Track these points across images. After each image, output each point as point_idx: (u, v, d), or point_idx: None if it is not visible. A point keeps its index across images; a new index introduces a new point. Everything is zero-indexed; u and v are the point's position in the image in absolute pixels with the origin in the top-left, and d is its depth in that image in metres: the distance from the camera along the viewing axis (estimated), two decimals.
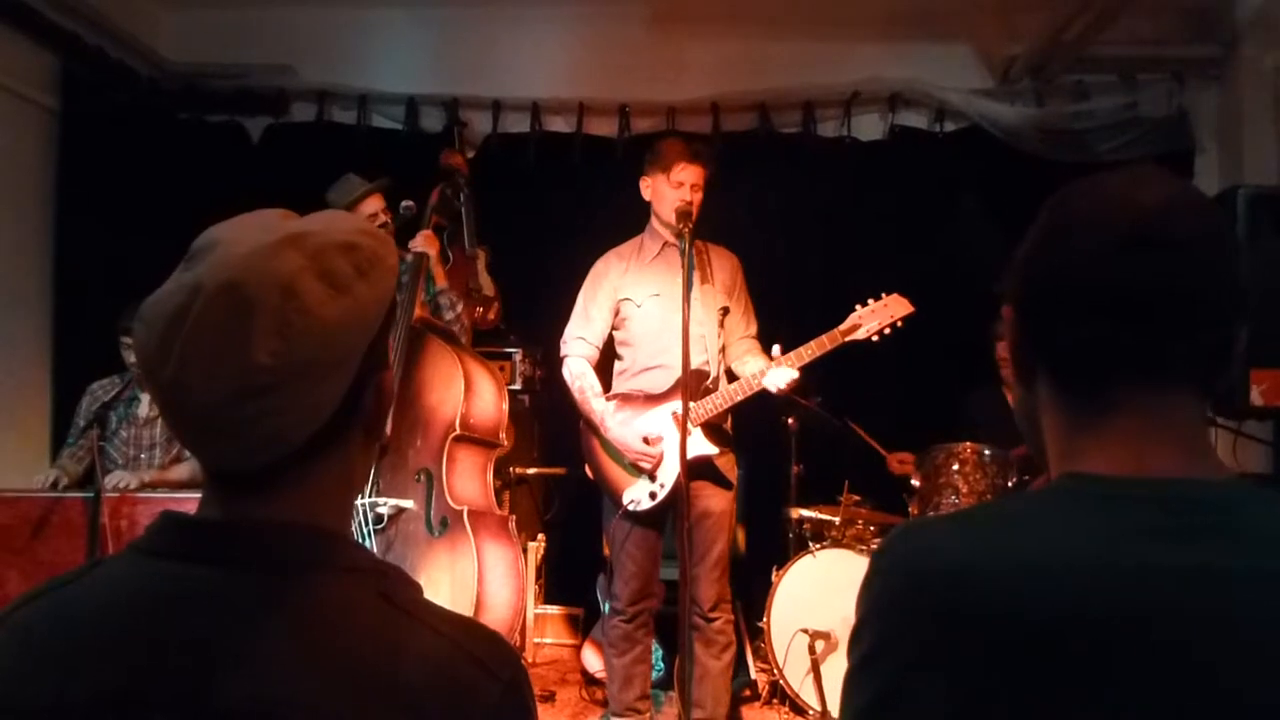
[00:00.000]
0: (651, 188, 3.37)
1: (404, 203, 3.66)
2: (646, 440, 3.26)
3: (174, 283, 0.81)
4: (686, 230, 3.20)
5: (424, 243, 3.55)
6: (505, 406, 3.42)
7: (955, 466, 3.69)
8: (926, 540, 0.84)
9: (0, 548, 2.88)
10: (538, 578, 4.64)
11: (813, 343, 3.17)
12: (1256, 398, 2.52)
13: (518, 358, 4.72)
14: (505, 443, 3.46)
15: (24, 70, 4.36)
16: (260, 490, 0.83)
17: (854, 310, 3.23)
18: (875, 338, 3.20)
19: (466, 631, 0.83)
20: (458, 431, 3.24)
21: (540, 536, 4.69)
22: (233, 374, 0.77)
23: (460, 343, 3.51)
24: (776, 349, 3.19)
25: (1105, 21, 4.22)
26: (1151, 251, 0.80)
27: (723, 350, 3.41)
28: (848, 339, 3.19)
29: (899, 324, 3.21)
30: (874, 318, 3.20)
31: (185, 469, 3.50)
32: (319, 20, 5.10)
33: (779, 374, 3.14)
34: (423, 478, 3.23)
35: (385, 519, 3.18)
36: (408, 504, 3.20)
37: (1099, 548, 0.75)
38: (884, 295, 3.24)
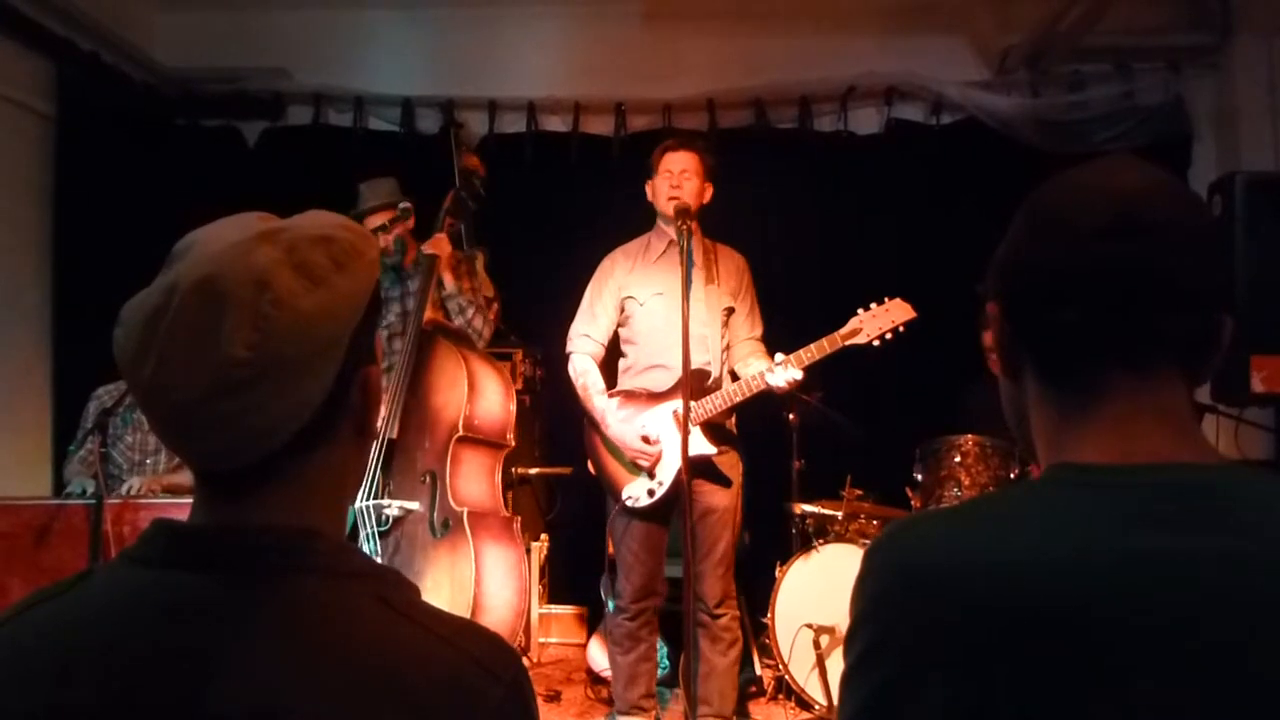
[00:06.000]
0: (651, 188, 3.42)
1: (401, 203, 3.66)
2: (646, 440, 3.27)
3: (152, 285, 0.81)
4: (685, 228, 3.21)
5: (435, 245, 3.56)
6: (513, 407, 3.42)
7: (957, 459, 3.68)
8: (919, 536, 0.84)
9: (3, 555, 2.88)
10: (541, 577, 4.64)
11: (813, 345, 3.17)
12: (1257, 384, 2.52)
13: (517, 357, 4.72)
14: (512, 442, 3.45)
15: (20, 77, 4.36)
16: (247, 491, 0.82)
17: (855, 314, 3.23)
18: (876, 342, 3.20)
19: (466, 633, 0.83)
20: (460, 433, 3.23)
21: (543, 536, 4.69)
22: (209, 369, 0.76)
23: (470, 344, 3.50)
24: (780, 356, 3.20)
25: (1100, 11, 4.23)
26: (1132, 236, 0.80)
27: (726, 350, 3.42)
28: (848, 343, 3.19)
29: (900, 329, 3.21)
30: (875, 322, 3.20)
31: None
32: (313, 23, 5.10)
33: (783, 373, 3.15)
34: (428, 479, 3.22)
35: (391, 521, 3.18)
36: (414, 505, 3.19)
37: (1092, 537, 0.75)
38: (886, 300, 3.23)
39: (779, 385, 3.16)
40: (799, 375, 3.16)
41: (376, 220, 3.65)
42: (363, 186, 3.76)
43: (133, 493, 3.27)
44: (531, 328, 4.72)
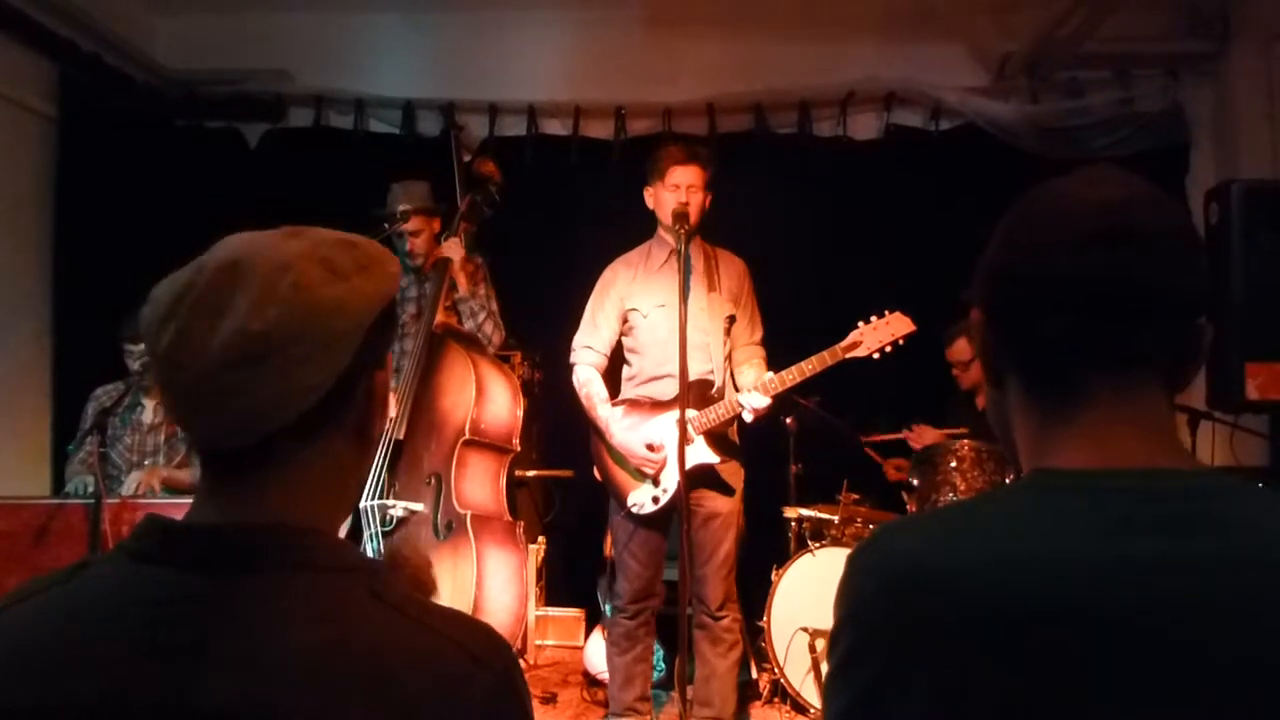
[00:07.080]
0: (653, 196, 3.40)
1: (401, 207, 3.65)
2: (650, 447, 3.29)
3: (184, 267, 0.85)
4: (684, 231, 3.21)
5: (449, 249, 3.57)
6: (520, 412, 3.43)
7: (953, 464, 3.69)
8: (903, 540, 0.84)
9: (2, 554, 2.89)
10: (538, 580, 4.64)
11: (814, 358, 3.20)
12: (1252, 391, 2.52)
13: (516, 360, 4.73)
14: (518, 447, 3.46)
15: (22, 78, 4.37)
16: (248, 477, 0.84)
17: (856, 326, 3.25)
18: (876, 355, 3.23)
19: (456, 624, 0.84)
20: (467, 436, 3.24)
21: (540, 539, 4.69)
22: (222, 340, 0.79)
23: (480, 348, 3.51)
24: (770, 375, 3.23)
25: (1099, 18, 4.23)
26: (1114, 244, 0.81)
27: (728, 357, 3.43)
28: (848, 355, 3.23)
29: (900, 342, 3.24)
30: (875, 335, 3.23)
31: (198, 470, 3.50)
32: (315, 25, 5.11)
33: (750, 399, 3.21)
34: (433, 481, 3.23)
35: (395, 521, 3.19)
36: (418, 507, 3.20)
37: (1074, 541, 0.76)
38: (886, 313, 3.27)
39: (746, 418, 3.24)
40: (764, 403, 3.21)
41: (411, 225, 3.66)
42: (396, 186, 3.76)
43: (141, 492, 3.28)
44: (530, 331, 4.72)
